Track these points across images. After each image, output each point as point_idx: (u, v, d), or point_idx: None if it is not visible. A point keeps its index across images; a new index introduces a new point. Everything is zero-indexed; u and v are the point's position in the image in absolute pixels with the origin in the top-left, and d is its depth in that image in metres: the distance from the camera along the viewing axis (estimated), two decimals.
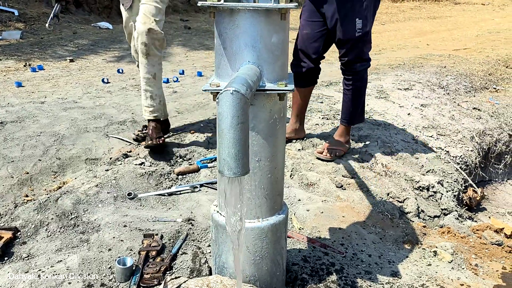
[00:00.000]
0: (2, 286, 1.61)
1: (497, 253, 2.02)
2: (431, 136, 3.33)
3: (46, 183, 2.50)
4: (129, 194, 2.24)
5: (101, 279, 1.66)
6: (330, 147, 2.71)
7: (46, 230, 1.97)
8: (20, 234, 1.94)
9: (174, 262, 1.75)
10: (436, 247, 1.99)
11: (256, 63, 1.23)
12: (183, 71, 5.10)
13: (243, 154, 0.93)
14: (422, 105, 3.95)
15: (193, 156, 2.74)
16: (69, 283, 1.62)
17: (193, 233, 1.98)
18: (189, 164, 2.59)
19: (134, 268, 1.69)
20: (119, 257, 1.75)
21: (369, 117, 3.50)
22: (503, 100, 4.38)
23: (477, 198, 3.14)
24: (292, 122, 2.92)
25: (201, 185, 2.37)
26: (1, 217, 2.07)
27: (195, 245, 1.87)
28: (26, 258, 1.79)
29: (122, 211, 2.12)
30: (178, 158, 2.70)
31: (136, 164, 2.54)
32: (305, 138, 2.98)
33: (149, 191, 2.31)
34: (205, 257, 1.68)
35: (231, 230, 0.99)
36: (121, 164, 2.57)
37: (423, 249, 2.01)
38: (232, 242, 1.12)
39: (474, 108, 4.03)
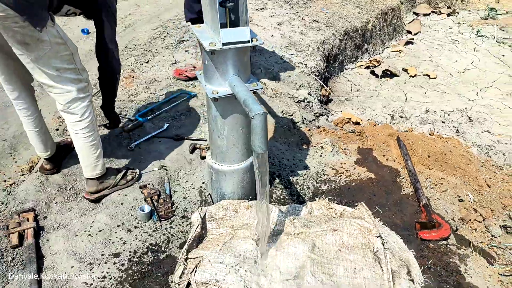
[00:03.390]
0: (63, 250, 2.20)
1: (353, 138, 3.32)
2: (293, 54, 4.39)
3: (11, 165, 2.81)
4: None
5: (132, 224, 2.38)
6: None
7: (55, 203, 2.48)
8: (37, 212, 2.43)
9: (173, 199, 2.54)
10: (322, 143, 3.17)
11: (237, 74, 1.99)
12: None
13: (266, 140, 1.78)
14: (278, 23, 4.91)
15: (127, 111, 3.28)
16: (115, 232, 2.30)
17: (170, 176, 2.74)
18: (130, 120, 3.16)
19: (150, 211, 2.44)
20: (132, 206, 2.46)
21: None
22: (330, 8, 5.63)
23: (327, 94, 4.47)
24: None
25: (153, 137, 3.03)
26: (6, 205, 2.47)
27: (178, 184, 2.67)
28: (62, 227, 2.35)
29: None
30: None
31: None
32: None
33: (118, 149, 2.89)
34: (208, 192, 2.52)
35: (262, 212, 1.86)
36: None
37: (314, 146, 3.18)
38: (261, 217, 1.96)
39: (314, 20, 5.18)
